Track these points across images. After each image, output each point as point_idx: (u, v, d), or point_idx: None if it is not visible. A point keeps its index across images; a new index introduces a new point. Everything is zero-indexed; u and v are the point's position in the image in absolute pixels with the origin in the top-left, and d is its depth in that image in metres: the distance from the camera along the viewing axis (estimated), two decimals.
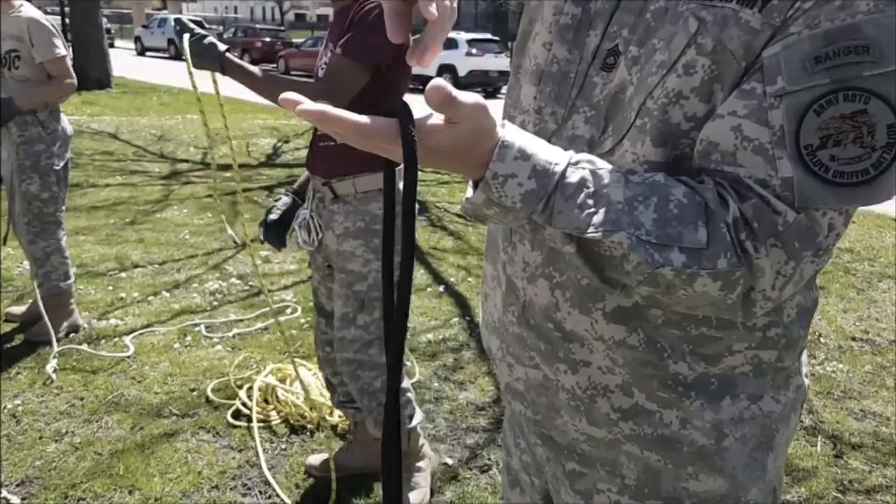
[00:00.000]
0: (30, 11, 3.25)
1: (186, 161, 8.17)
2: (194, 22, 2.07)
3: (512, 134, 0.74)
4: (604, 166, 0.77)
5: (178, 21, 2.07)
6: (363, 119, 0.68)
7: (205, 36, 2.01)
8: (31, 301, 3.67)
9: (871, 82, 0.70)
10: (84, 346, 3.38)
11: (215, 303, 4.05)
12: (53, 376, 3.08)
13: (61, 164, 3.41)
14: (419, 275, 4.59)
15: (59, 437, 2.70)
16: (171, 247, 5.02)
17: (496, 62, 18.41)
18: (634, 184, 0.75)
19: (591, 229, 0.73)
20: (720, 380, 0.90)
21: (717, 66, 0.77)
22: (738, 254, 0.73)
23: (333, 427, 2.84)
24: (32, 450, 2.60)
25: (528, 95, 0.96)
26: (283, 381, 3.06)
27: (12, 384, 3.05)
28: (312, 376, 3.09)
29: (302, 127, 10.63)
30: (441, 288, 4.38)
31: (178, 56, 28.15)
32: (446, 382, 3.25)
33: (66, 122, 3.43)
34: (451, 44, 17.69)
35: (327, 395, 2.98)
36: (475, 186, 0.75)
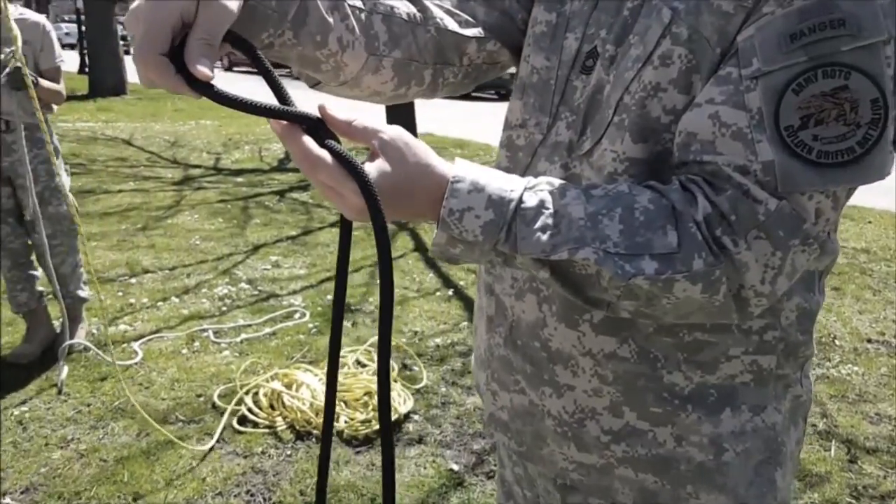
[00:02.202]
0: (37, 17, 3.23)
1: (199, 167, 8.21)
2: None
3: (463, 168, 0.73)
4: (563, 185, 0.75)
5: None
6: (320, 152, 0.70)
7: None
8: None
9: (850, 56, 0.67)
10: (93, 352, 3.39)
11: (224, 308, 4.05)
12: (62, 383, 3.08)
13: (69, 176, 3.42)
14: (428, 278, 4.57)
15: (64, 443, 2.70)
16: (181, 252, 5.03)
17: None
18: (597, 197, 0.73)
19: (555, 251, 0.71)
20: (719, 390, 0.87)
21: (694, 55, 0.75)
22: (715, 252, 0.71)
23: (339, 433, 2.82)
24: (38, 457, 2.61)
25: (515, 110, 0.95)
26: (289, 386, 3.05)
27: (20, 391, 3.06)
28: (319, 382, 3.07)
29: None
30: (450, 292, 4.36)
31: None
32: (454, 387, 3.23)
33: None
34: None
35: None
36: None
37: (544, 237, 0.71)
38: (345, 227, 0.81)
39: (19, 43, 2.73)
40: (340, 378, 3.16)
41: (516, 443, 1.00)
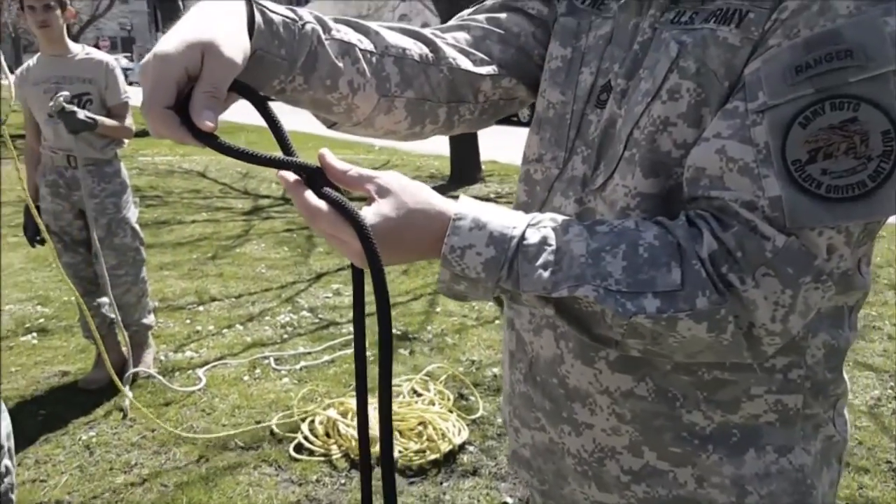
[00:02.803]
0: (101, 55, 3.38)
1: (268, 197, 8.43)
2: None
3: (466, 206, 0.74)
4: (566, 222, 0.75)
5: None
6: (318, 202, 0.72)
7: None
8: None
9: (858, 88, 0.65)
10: (158, 379, 3.49)
11: (285, 335, 4.13)
12: (127, 408, 3.18)
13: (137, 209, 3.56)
14: (487, 306, 4.55)
15: (128, 468, 2.79)
16: (247, 280, 5.17)
17: None
18: (601, 234, 0.73)
19: (555, 288, 0.71)
20: (742, 430, 0.84)
21: (703, 88, 0.74)
22: (720, 290, 0.69)
23: None
24: (102, 481, 2.70)
25: (532, 145, 0.96)
26: (344, 414, 3.07)
27: (88, 415, 3.18)
28: (374, 410, 3.08)
29: (379, 161, 10.82)
30: None
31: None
32: None
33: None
34: None
35: None
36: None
37: (546, 274, 0.71)
38: (356, 272, 0.82)
39: (13, 91, 2.87)
40: (394, 407, 3.17)
41: (539, 481, 0.99)
